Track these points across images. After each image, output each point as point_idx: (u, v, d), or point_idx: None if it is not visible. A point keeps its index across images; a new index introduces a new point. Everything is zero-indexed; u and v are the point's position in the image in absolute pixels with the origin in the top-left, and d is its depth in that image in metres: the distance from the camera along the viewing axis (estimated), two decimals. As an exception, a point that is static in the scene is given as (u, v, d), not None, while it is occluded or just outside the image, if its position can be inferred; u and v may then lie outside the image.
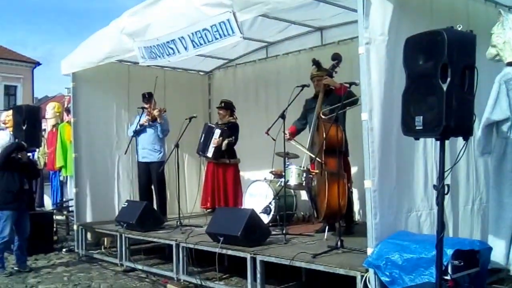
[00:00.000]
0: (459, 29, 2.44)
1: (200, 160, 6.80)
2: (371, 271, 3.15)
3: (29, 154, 5.81)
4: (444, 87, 2.38)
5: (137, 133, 6.16)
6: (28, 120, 5.60)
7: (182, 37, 4.40)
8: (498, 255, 3.16)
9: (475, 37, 2.46)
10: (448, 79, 2.37)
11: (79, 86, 6.27)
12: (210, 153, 6.10)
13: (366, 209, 4.37)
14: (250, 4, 3.83)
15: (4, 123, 7.57)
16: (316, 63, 4.88)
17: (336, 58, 4.64)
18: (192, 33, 4.28)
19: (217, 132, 6.08)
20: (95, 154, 6.47)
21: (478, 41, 2.53)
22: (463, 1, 3.73)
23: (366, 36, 3.15)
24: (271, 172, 5.73)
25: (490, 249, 3.08)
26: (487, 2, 3.91)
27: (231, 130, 6.13)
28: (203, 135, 6.23)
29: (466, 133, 2.49)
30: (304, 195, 6.01)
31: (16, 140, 5.47)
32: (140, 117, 6.17)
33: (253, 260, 3.99)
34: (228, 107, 6.30)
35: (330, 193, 4.26)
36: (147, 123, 6.11)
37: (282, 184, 4.92)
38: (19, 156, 5.35)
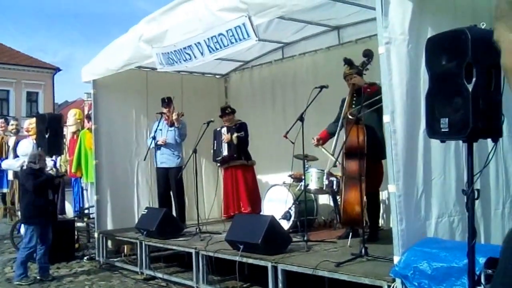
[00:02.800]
0: (483, 27, 2.35)
1: (216, 165, 6.79)
2: (398, 280, 3.06)
3: (51, 160, 5.93)
4: (470, 87, 2.30)
5: (155, 141, 6.17)
6: (51, 128, 5.72)
7: (199, 43, 4.41)
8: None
9: (501, 35, 2.36)
10: (474, 79, 2.29)
11: (99, 93, 6.37)
12: (225, 151, 6.10)
13: (390, 214, 4.26)
14: (266, 7, 3.80)
15: (27, 131, 7.71)
16: (347, 61, 4.73)
17: (367, 54, 4.45)
18: (208, 38, 4.29)
19: (224, 130, 6.13)
20: (115, 160, 6.55)
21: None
22: (486, -2, 3.61)
23: (385, 36, 3.08)
24: (290, 176, 5.65)
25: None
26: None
27: (241, 129, 6.12)
28: (214, 141, 6.26)
29: (495, 134, 2.39)
30: (324, 199, 5.93)
31: (39, 149, 5.57)
32: (159, 123, 6.21)
33: (275, 269, 3.94)
34: (232, 111, 6.33)
35: (347, 198, 4.19)
36: (163, 143, 6.10)
37: (302, 188, 4.85)
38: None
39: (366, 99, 4.14)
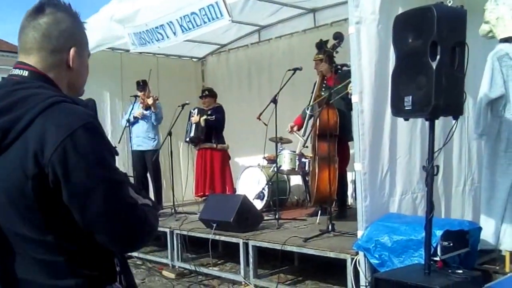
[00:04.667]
0: (449, 4, 2.32)
1: (190, 147, 6.70)
2: (361, 253, 3.10)
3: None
4: (434, 65, 2.28)
5: (130, 122, 6.04)
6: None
7: (171, 22, 4.27)
8: (489, 235, 3.09)
9: (465, 13, 2.35)
10: (438, 57, 2.27)
11: (71, 75, 6.13)
12: (192, 132, 6.01)
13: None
14: (239, -15, 3.70)
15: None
16: (317, 45, 4.71)
17: (338, 37, 4.44)
18: (181, 17, 4.16)
19: (195, 111, 6.03)
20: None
21: (471, 18, 2.41)
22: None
23: (356, 15, 3.03)
24: (264, 158, 5.63)
25: (479, 229, 3.02)
26: (479, -21, 3.78)
27: (214, 112, 6.00)
28: (188, 122, 6.18)
29: (457, 112, 2.39)
30: (296, 179, 5.94)
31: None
32: (133, 106, 6.04)
33: (246, 245, 3.95)
34: (212, 94, 6.17)
35: (320, 178, 4.20)
36: (140, 116, 5.97)
37: (275, 169, 4.84)
38: None
39: (334, 88, 4.15)
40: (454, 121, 2.47)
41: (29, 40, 1.06)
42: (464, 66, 2.36)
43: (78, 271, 1.03)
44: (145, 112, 6.00)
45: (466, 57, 2.36)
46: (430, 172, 2.40)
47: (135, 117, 5.98)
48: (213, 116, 5.94)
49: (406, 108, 2.44)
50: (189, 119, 6.19)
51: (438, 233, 2.67)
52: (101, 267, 1.07)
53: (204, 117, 5.93)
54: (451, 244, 2.69)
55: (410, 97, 2.41)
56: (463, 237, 2.82)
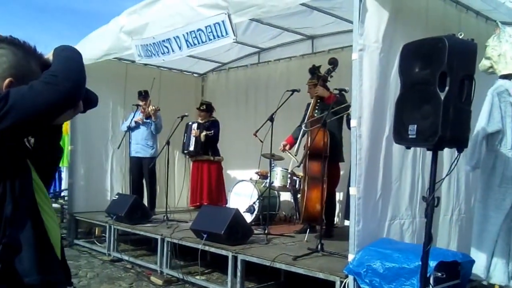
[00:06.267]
0: (460, 37, 2.10)
1: (187, 158, 6.46)
2: (350, 277, 2.82)
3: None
4: (442, 96, 2.03)
5: (130, 129, 5.79)
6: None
7: (177, 37, 4.02)
8: (479, 268, 2.84)
9: (476, 46, 2.12)
10: (447, 88, 2.02)
11: (77, 80, 5.84)
12: (191, 146, 5.75)
13: (345, 213, 3.97)
14: (245, 6, 3.47)
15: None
16: (310, 70, 4.54)
17: (333, 62, 4.30)
18: (187, 33, 3.90)
19: (194, 125, 5.79)
20: (90, 147, 6.12)
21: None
22: (456, 14, 3.42)
23: (360, 43, 2.80)
24: (256, 173, 5.38)
25: (472, 262, 2.76)
26: (478, 16, 3.62)
27: (212, 127, 5.78)
28: (185, 134, 5.90)
29: (462, 145, 2.14)
30: (285, 195, 5.69)
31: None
32: (135, 114, 5.78)
33: (235, 258, 3.65)
34: (208, 109, 5.92)
35: (308, 197, 3.96)
36: (141, 122, 5.72)
37: (267, 185, 4.57)
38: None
39: (332, 106, 3.93)
40: (448, 152, 2.23)
41: None
42: (471, 99, 2.12)
43: None
44: (145, 120, 5.76)
45: (473, 90, 2.13)
46: (430, 203, 2.14)
47: (136, 122, 5.74)
48: (212, 131, 5.71)
49: (410, 137, 2.19)
50: (185, 132, 5.93)
51: (432, 264, 2.41)
52: None
53: (204, 132, 5.69)
54: (444, 275, 2.42)
55: (415, 126, 2.16)
56: (455, 269, 2.56)
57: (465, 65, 2.05)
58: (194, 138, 5.73)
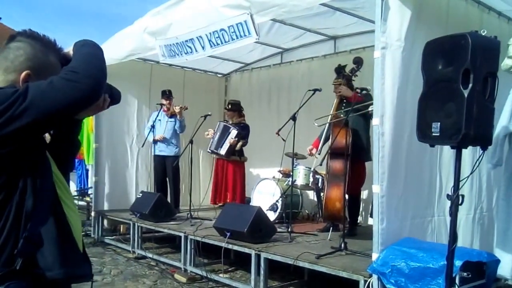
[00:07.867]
0: (483, 34, 2.11)
1: (212, 156, 6.58)
2: (374, 276, 2.85)
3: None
4: (465, 93, 2.05)
5: (153, 128, 5.91)
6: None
7: (200, 37, 4.14)
8: (505, 267, 2.82)
9: (499, 43, 2.13)
10: (470, 85, 2.04)
11: (103, 80, 6.07)
12: (223, 151, 5.81)
13: (367, 212, 3.98)
14: (267, 6, 3.55)
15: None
16: (336, 70, 4.57)
17: (357, 62, 4.31)
18: (210, 33, 4.02)
19: (234, 132, 5.79)
20: (116, 145, 6.30)
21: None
22: (477, 14, 3.41)
23: (382, 41, 2.83)
24: (279, 171, 5.45)
25: (498, 261, 2.75)
26: (500, 17, 3.59)
27: (244, 131, 5.86)
28: (218, 133, 5.93)
29: (485, 143, 2.15)
30: (309, 194, 5.74)
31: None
32: (158, 113, 5.95)
33: (258, 256, 3.72)
34: (236, 108, 5.98)
35: (328, 195, 4.00)
36: (161, 139, 5.86)
37: (290, 183, 4.64)
38: None
39: (355, 104, 3.96)
40: (481, 151, 2.24)
41: None
42: (494, 97, 2.13)
43: None
44: (169, 119, 5.88)
45: (496, 87, 2.14)
46: (455, 201, 2.16)
47: (155, 140, 5.88)
48: (246, 140, 5.80)
49: (434, 135, 2.21)
50: (217, 131, 5.91)
51: (458, 263, 2.42)
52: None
53: (241, 142, 5.76)
54: (470, 275, 2.43)
55: (438, 123, 2.18)
56: (481, 269, 2.56)
57: (488, 62, 2.06)
58: (229, 145, 5.75)
